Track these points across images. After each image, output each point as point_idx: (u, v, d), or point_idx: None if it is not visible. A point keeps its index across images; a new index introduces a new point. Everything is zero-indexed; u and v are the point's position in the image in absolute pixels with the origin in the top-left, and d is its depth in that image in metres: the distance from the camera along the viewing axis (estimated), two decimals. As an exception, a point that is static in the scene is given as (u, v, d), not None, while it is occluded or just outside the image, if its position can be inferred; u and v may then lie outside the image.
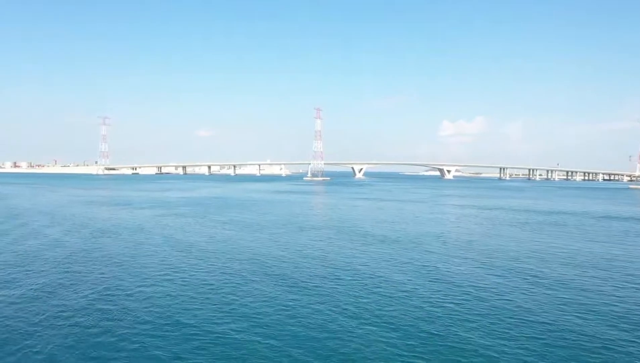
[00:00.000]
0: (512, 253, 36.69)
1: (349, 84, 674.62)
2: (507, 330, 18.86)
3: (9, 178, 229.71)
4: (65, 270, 29.01)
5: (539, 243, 41.91)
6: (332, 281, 26.67)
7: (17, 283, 25.57)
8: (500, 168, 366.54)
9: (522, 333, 18.63)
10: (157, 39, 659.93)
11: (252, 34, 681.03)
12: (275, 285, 25.77)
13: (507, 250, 37.99)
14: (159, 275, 27.75)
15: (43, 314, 20.51)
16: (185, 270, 29.23)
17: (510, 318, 20.42)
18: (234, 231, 47.32)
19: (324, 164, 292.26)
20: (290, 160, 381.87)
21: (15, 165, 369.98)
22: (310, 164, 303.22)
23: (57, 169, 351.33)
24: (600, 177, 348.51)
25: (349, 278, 27.60)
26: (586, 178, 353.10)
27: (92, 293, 23.77)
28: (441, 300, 23.05)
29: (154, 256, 33.86)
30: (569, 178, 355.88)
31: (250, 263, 31.61)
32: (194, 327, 19.10)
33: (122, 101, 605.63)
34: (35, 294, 23.52)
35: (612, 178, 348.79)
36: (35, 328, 18.61)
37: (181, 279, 26.94)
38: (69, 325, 19.01)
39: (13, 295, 23.42)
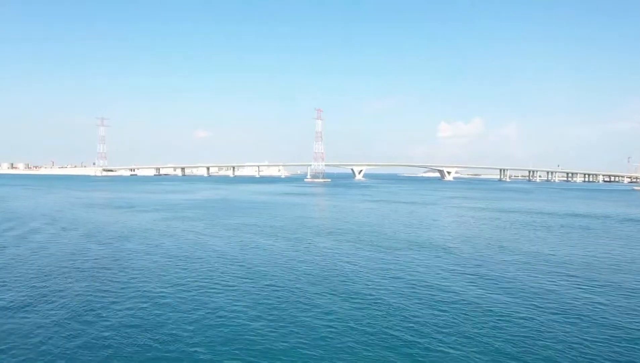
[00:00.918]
0: (553, 258, 34.41)
1: (347, 85, 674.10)
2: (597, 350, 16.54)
3: (6, 179, 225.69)
4: (83, 280, 26.47)
5: (575, 247, 39.66)
6: (379, 290, 24.18)
7: (29, 296, 23.06)
8: (501, 170, 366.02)
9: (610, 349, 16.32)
10: (155, 39, 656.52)
11: (251, 34, 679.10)
12: (319, 296, 23.29)
13: (546, 255, 35.68)
14: (186, 286, 25.22)
15: (70, 335, 18.08)
16: (212, 279, 26.73)
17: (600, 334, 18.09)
18: (250, 236, 44.82)
19: (315, 165, 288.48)
20: (288, 161, 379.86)
21: (12, 166, 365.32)
22: (309, 165, 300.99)
23: (55, 171, 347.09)
24: (600, 178, 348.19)
25: (394, 287, 25.17)
26: (586, 179, 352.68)
27: (122, 311, 21.26)
28: (509, 311, 20.67)
29: (174, 265, 31.31)
30: (569, 179, 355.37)
31: (278, 271, 29.14)
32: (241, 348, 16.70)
33: (120, 102, 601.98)
34: (56, 311, 21.02)
35: (612, 179, 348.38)
36: (57, 347, 16.25)
37: (212, 289, 24.44)
38: (92, 340, 16.62)
39: (28, 308, 20.94)
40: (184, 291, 24.60)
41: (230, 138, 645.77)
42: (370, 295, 24.08)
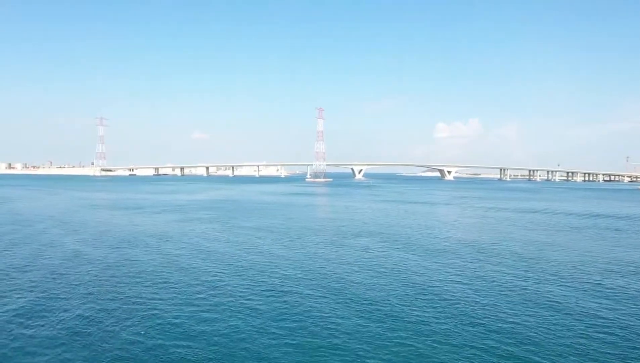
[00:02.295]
0: (599, 264, 32.55)
1: (346, 86, 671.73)
2: None
3: (4, 179, 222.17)
4: (106, 289, 24.35)
5: (617, 251, 37.85)
6: (422, 301, 22.21)
7: (49, 304, 20.98)
8: (501, 169, 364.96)
9: None
10: (153, 39, 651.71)
11: (251, 35, 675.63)
12: (356, 307, 21.30)
13: (590, 260, 33.84)
14: (217, 294, 23.17)
15: (88, 346, 16.06)
16: (243, 286, 24.67)
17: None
18: (271, 240, 42.76)
19: (316, 165, 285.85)
20: (286, 161, 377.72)
21: (9, 166, 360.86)
22: (310, 165, 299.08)
23: (53, 171, 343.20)
24: (600, 178, 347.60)
25: (434, 295, 23.22)
26: (586, 179, 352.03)
27: (154, 325, 19.18)
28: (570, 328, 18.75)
29: (199, 270, 29.20)
30: (569, 178, 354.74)
31: (310, 278, 27.12)
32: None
33: (118, 102, 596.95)
34: (80, 321, 18.96)
35: (612, 178, 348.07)
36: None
37: (246, 297, 22.40)
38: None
39: (47, 317, 18.87)
40: (224, 302, 22.54)
41: (228, 138, 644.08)
42: (444, 303, 22.12)
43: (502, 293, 24.52)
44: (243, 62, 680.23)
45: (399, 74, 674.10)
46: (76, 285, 25.67)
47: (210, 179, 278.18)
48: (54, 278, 27.08)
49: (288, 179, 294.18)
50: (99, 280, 26.69)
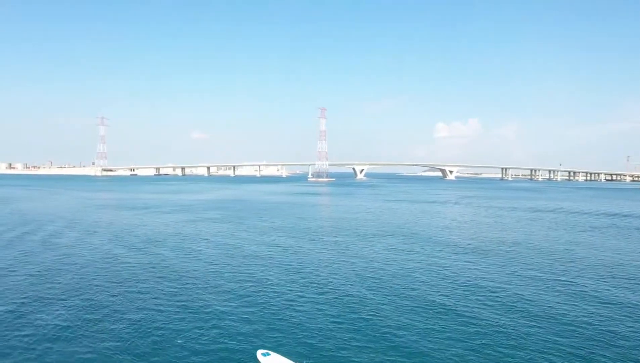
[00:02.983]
0: (636, 262, 31.64)
1: (346, 86, 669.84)
2: None
3: (5, 179, 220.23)
4: (138, 289, 23.30)
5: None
6: (468, 302, 21.19)
7: (85, 306, 19.97)
8: (502, 169, 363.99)
9: None
10: (154, 40, 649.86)
11: (250, 35, 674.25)
12: (404, 308, 20.30)
13: (625, 258, 32.91)
14: (252, 294, 22.12)
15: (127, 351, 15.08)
16: (276, 286, 23.56)
17: None
18: (291, 240, 41.76)
19: (318, 165, 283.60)
20: (287, 161, 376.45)
21: (10, 166, 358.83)
22: (312, 164, 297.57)
23: (53, 171, 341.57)
24: (602, 177, 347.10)
25: (477, 297, 22.20)
26: (588, 178, 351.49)
27: (196, 329, 18.16)
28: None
29: (223, 269, 28.10)
30: (571, 178, 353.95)
31: (342, 279, 26.05)
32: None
33: (118, 102, 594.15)
34: (120, 325, 17.94)
35: (614, 178, 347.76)
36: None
37: (283, 298, 21.35)
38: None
39: (83, 319, 17.85)
40: (255, 302, 21.51)
41: (228, 138, 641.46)
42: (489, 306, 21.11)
43: (556, 292, 23.55)
44: (243, 62, 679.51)
45: (399, 74, 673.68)
46: (123, 289, 24.65)
47: (211, 179, 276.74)
48: (89, 282, 26.06)
49: (290, 179, 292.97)
50: (144, 283, 25.63)
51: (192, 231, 47.23)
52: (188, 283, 25.68)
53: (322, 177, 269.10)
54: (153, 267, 29.91)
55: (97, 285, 25.15)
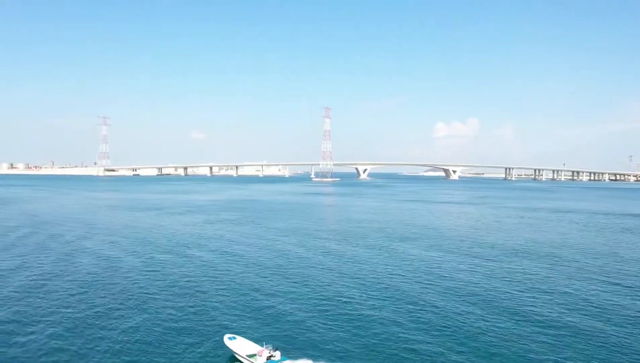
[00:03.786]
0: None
1: (346, 87, 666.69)
2: None
3: (8, 179, 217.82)
4: (180, 292, 21.89)
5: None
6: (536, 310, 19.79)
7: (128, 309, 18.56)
8: (506, 169, 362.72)
9: None
10: (155, 40, 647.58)
11: (251, 36, 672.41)
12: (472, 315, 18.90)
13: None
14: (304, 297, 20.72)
15: None
16: (327, 294, 22.17)
17: None
18: (316, 242, 40.42)
19: (323, 165, 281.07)
20: (288, 161, 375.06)
21: (12, 166, 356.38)
22: (316, 164, 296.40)
23: (55, 171, 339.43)
24: (606, 177, 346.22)
25: (541, 302, 20.80)
26: (592, 178, 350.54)
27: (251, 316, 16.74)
28: None
29: (269, 275, 26.65)
30: (575, 178, 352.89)
31: (389, 285, 24.66)
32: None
33: (119, 102, 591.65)
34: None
35: (618, 178, 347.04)
36: None
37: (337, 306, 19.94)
38: None
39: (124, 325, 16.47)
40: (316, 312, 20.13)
41: (228, 138, 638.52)
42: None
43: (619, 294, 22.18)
44: (243, 63, 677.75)
45: (399, 74, 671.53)
46: (167, 294, 23.26)
47: (215, 179, 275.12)
48: (126, 288, 24.67)
49: (293, 179, 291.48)
50: (185, 286, 24.22)
51: (217, 232, 45.87)
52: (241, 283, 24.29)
53: (327, 177, 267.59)
54: (205, 273, 28.49)
55: (157, 291, 23.74)
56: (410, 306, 21.33)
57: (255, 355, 15.52)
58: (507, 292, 24.17)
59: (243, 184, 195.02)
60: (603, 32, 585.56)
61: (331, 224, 54.30)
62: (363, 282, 25.91)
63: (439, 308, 21.10)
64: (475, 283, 25.92)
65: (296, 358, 15.11)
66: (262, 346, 15.75)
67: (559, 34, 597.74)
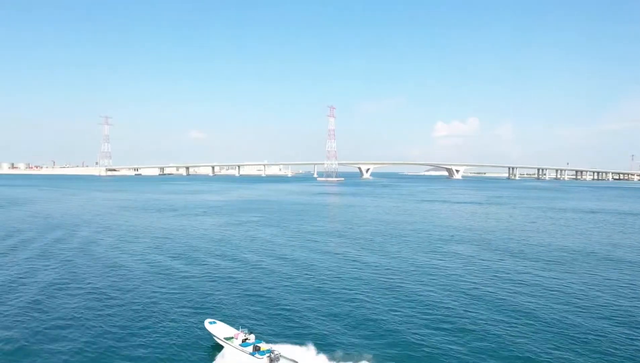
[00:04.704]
0: None
1: (345, 86, 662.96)
2: None
3: (10, 179, 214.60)
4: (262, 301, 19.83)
5: None
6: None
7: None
8: (509, 168, 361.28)
9: None
10: (154, 36, 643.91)
11: (250, 36, 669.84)
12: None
13: None
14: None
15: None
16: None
17: None
18: (370, 246, 38.33)
19: (327, 164, 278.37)
20: (289, 161, 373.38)
21: (12, 166, 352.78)
22: (321, 164, 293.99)
23: (56, 171, 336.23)
24: (610, 177, 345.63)
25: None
26: (595, 177, 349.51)
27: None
28: None
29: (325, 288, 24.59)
30: (578, 177, 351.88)
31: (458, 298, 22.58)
32: None
33: (118, 102, 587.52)
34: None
35: (621, 177, 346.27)
36: None
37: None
38: None
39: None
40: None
41: (226, 138, 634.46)
42: None
43: None
44: (243, 63, 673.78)
45: (400, 74, 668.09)
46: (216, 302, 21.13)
47: (218, 179, 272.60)
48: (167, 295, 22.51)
49: (297, 179, 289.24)
50: (234, 296, 22.11)
51: (240, 237, 43.72)
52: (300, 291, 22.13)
53: (332, 176, 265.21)
54: (281, 280, 26.32)
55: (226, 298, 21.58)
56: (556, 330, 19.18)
57: (232, 337, 16.86)
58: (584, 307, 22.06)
59: (248, 184, 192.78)
60: (603, 32, 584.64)
61: (363, 226, 52.20)
62: (465, 292, 23.75)
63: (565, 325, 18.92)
64: (576, 291, 23.83)
65: (269, 342, 16.38)
66: (237, 329, 17.19)
67: (559, 33, 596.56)
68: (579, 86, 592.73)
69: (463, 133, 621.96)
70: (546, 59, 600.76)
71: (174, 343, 17.49)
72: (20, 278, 26.23)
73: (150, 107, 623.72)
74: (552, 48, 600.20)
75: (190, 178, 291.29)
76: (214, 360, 16.41)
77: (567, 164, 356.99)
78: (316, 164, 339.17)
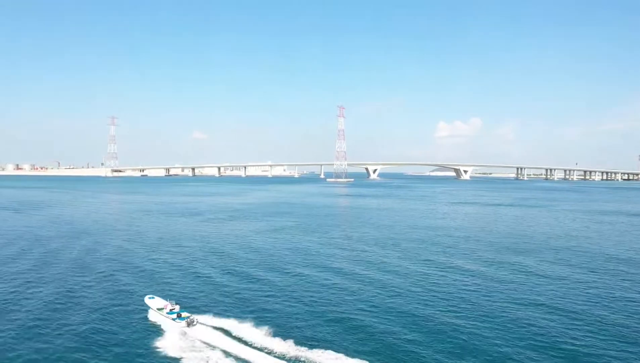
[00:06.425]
0: None
1: (347, 86, 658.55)
2: None
3: (16, 181, 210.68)
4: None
5: None
6: None
7: None
8: (518, 168, 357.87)
9: None
10: (156, 37, 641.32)
11: (251, 36, 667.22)
12: None
13: None
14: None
15: None
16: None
17: None
18: (433, 256, 35.24)
19: (337, 165, 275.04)
20: (294, 161, 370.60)
21: (17, 167, 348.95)
22: (332, 165, 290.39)
23: (62, 172, 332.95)
24: (619, 177, 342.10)
25: None
26: (604, 177, 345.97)
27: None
28: None
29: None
30: (587, 178, 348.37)
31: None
32: None
33: (120, 103, 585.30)
34: None
35: (631, 177, 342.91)
36: None
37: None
38: None
39: None
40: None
41: (229, 138, 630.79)
42: None
43: None
44: (243, 63, 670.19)
45: (400, 74, 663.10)
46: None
47: (225, 179, 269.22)
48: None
49: (304, 180, 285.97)
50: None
51: (291, 245, 40.52)
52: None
53: (341, 177, 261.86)
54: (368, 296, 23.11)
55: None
56: None
57: (162, 308, 20.97)
58: None
59: (259, 185, 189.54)
60: (603, 31, 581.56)
61: (410, 232, 49.18)
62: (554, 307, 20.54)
63: None
64: None
65: (192, 313, 20.40)
66: (167, 301, 21.39)
67: (559, 32, 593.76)
68: (581, 84, 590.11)
69: (465, 133, 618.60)
70: (546, 59, 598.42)
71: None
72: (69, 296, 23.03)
73: (152, 108, 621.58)
74: (552, 47, 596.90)
75: (197, 179, 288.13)
76: (147, 324, 20.59)
77: (577, 164, 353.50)
78: (323, 164, 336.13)
